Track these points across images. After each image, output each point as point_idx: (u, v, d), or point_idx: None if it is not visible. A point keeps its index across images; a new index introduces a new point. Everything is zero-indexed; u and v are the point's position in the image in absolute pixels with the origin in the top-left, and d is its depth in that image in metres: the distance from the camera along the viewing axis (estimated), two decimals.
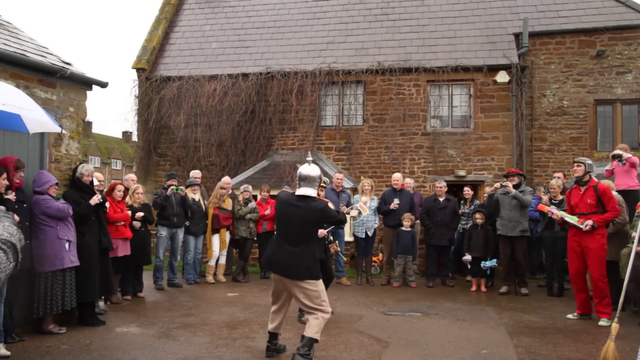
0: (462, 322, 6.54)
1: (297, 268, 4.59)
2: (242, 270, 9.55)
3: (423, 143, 11.97)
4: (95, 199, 6.04)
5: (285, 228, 4.76)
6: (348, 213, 6.37)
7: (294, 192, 4.88)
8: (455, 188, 11.54)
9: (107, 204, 6.59)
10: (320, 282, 4.69)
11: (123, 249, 7.22)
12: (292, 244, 4.65)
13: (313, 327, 4.54)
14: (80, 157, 6.52)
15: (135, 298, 7.72)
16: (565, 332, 6.09)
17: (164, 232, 8.63)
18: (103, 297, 7.00)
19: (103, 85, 6.42)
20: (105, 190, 7.55)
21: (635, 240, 5.28)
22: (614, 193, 7.06)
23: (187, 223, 8.95)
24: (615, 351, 4.57)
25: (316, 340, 4.57)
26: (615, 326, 4.66)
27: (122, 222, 7.23)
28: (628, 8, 12.18)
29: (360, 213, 6.30)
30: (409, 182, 10.13)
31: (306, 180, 4.77)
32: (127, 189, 7.88)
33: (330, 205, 5.33)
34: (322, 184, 6.09)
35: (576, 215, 6.73)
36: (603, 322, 6.30)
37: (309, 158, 5.03)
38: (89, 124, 52.85)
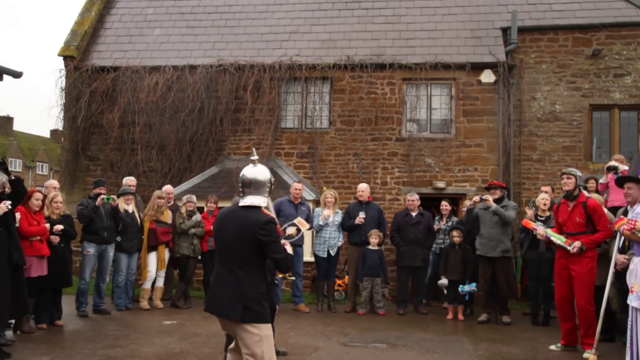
0: (432, 355, 6.70)
1: (233, 305, 3.96)
2: (183, 294, 9.52)
3: (397, 150, 12.19)
4: (2, 207, 5.97)
5: (220, 249, 4.23)
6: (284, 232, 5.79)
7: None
8: (435, 202, 11.74)
9: (18, 215, 6.52)
10: (267, 327, 4.03)
11: (38, 269, 7.14)
12: (228, 271, 4.06)
13: None
14: None
15: (51, 327, 7.63)
16: None
17: (91, 249, 8.58)
18: (12, 324, 6.90)
19: (16, 75, 6.38)
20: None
21: (611, 267, 5.45)
22: (606, 210, 7.32)
23: (118, 238, 8.91)
24: None
25: None
26: (592, 358, 4.85)
27: (39, 237, 7.16)
28: (628, 3, 12.69)
29: (299, 230, 5.94)
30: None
31: (252, 186, 4.18)
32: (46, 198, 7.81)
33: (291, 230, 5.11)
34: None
35: (564, 235, 6.96)
36: (587, 354, 6.52)
37: (254, 157, 4.37)
38: (9, 120, 51.57)
